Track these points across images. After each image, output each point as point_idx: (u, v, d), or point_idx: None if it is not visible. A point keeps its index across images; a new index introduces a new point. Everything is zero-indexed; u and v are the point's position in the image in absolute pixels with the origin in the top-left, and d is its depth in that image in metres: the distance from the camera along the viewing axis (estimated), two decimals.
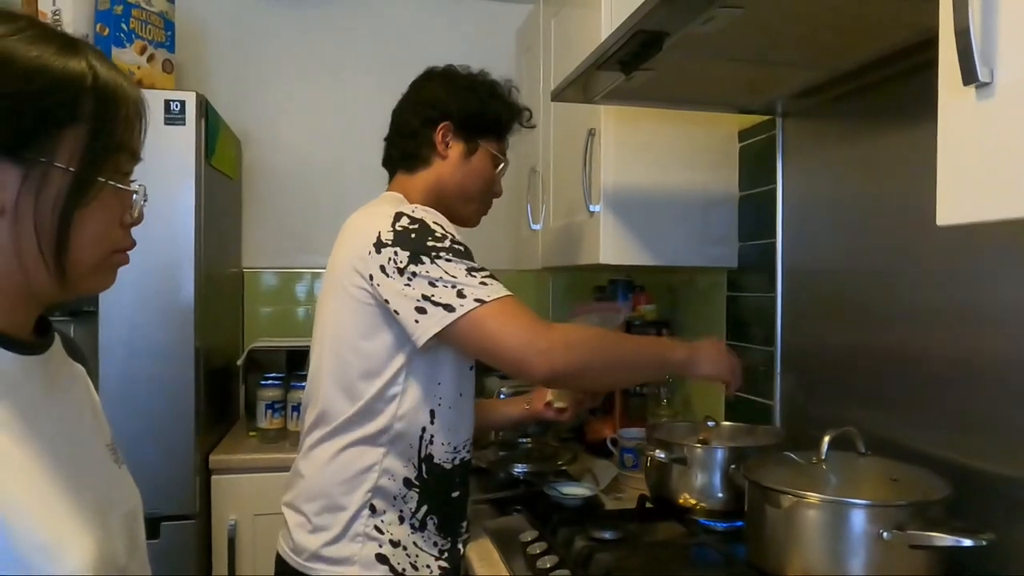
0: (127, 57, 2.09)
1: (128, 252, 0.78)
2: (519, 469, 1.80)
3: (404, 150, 1.45)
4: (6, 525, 0.62)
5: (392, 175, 1.49)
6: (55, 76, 0.68)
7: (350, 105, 2.83)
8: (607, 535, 1.35)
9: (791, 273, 1.64)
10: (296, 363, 2.45)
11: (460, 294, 1.17)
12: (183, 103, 2.01)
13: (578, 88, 1.47)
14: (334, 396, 1.28)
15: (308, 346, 2.56)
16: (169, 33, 2.23)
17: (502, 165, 1.50)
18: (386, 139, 1.51)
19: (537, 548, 1.26)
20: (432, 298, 1.18)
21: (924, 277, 1.27)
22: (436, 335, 1.17)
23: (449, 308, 1.17)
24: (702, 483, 1.39)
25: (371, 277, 1.23)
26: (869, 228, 1.40)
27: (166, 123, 2.01)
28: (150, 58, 2.15)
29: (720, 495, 1.38)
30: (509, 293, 1.20)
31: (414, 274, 1.19)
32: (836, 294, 1.49)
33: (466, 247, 1.25)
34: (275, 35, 2.79)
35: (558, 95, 1.52)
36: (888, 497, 1.04)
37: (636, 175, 1.78)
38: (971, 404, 1.17)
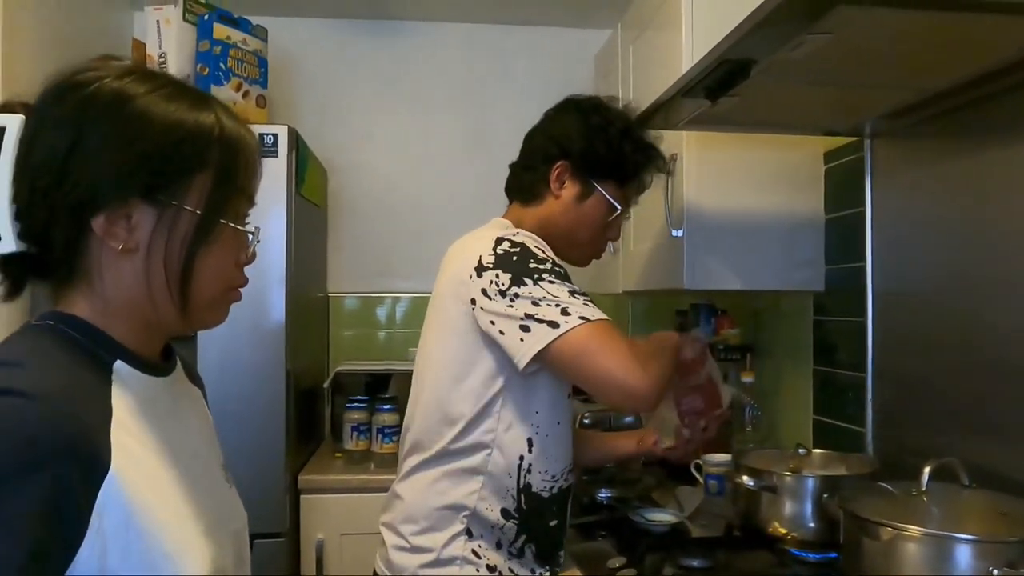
0: (224, 94, 2.20)
1: (241, 289, 0.83)
2: (603, 494, 1.80)
3: (521, 181, 1.44)
4: (145, 532, 0.67)
5: (510, 202, 1.48)
6: (188, 129, 0.74)
7: (432, 134, 2.90)
8: (696, 563, 1.34)
9: (882, 296, 1.59)
10: (377, 386, 2.50)
11: (564, 311, 1.17)
12: (276, 136, 2.10)
13: (661, 115, 1.48)
14: (431, 423, 1.30)
15: (388, 370, 2.63)
16: (263, 70, 2.34)
17: (619, 212, 1.42)
18: (511, 165, 1.50)
19: (626, 574, 1.25)
20: (536, 316, 1.17)
21: None
22: (539, 353, 1.17)
23: (553, 324, 1.16)
24: (793, 512, 1.36)
25: (473, 301, 1.23)
26: (968, 250, 1.36)
27: (261, 156, 2.10)
28: (245, 94, 2.26)
29: (812, 525, 1.35)
30: (608, 319, 1.20)
31: (516, 295, 1.19)
32: (932, 317, 1.45)
33: (566, 271, 1.26)
34: (360, 67, 2.88)
35: (642, 122, 1.53)
36: (998, 532, 1.00)
37: (719, 198, 1.76)
38: None
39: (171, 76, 0.80)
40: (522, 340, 1.18)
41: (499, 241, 1.26)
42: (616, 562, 1.32)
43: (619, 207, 1.41)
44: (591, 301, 1.21)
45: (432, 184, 2.89)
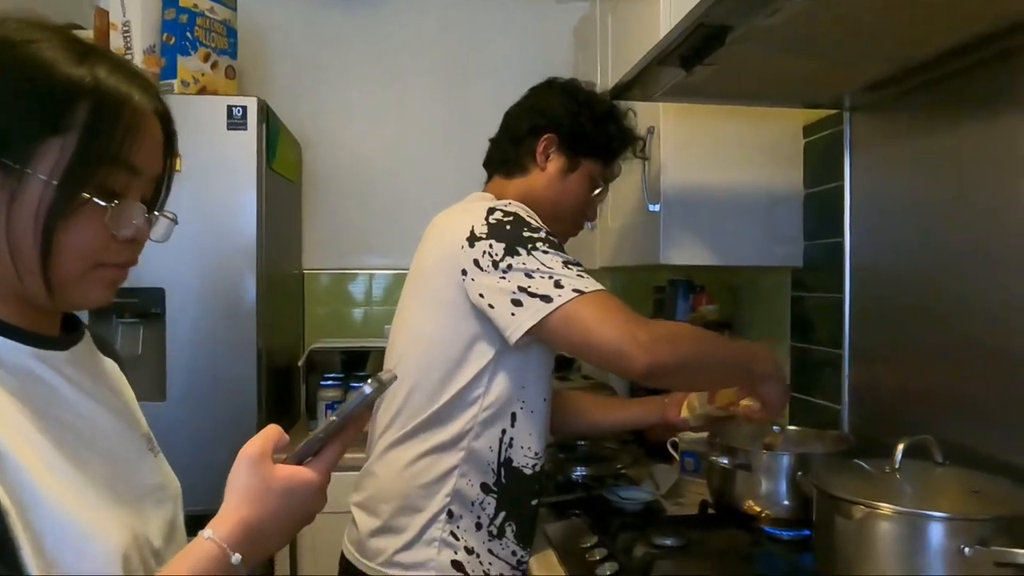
0: (192, 64, 2.14)
1: (126, 268, 0.75)
2: (578, 472, 1.78)
3: (505, 154, 1.43)
4: (33, 510, 0.63)
5: (489, 177, 1.47)
6: (46, 84, 0.66)
7: (408, 108, 2.85)
8: (668, 542, 1.32)
9: (860, 272, 1.57)
10: (353, 364, 2.47)
11: (558, 284, 1.14)
12: (245, 108, 2.05)
13: (638, 86, 1.44)
14: (414, 396, 1.27)
15: (364, 347, 2.60)
16: (232, 40, 2.28)
17: (599, 190, 1.44)
18: (492, 139, 1.48)
19: (597, 554, 1.24)
20: (529, 289, 1.15)
21: (1009, 276, 1.20)
22: (532, 328, 1.14)
23: (547, 299, 1.14)
24: (767, 490, 1.35)
25: (464, 272, 1.20)
26: (947, 226, 1.34)
27: (229, 128, 2.05)
28: (214, 65, 2.19)
29: (786, 503, 1.34)
30: (604, 288, 1.17)
31: (510, 266, 1.16)
32: (910, 294, 1.43)
33: (560, 241, 1.23)
34: (334, 40, 2.82)
35: (618, 94, 1.49)
36: (970, 510, 0.99)
37: (697, 173, 1.74)
38: None
39: (72, 32, 0.72)
40: (513, 315, 1.16)
41: (491, 211, 1.23)
42: (588, 541, 1.30)
43: (601, 184, 1.43)
44: (585, 272, 1.19)
45: (409, 159, 2.84)
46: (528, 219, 1.22)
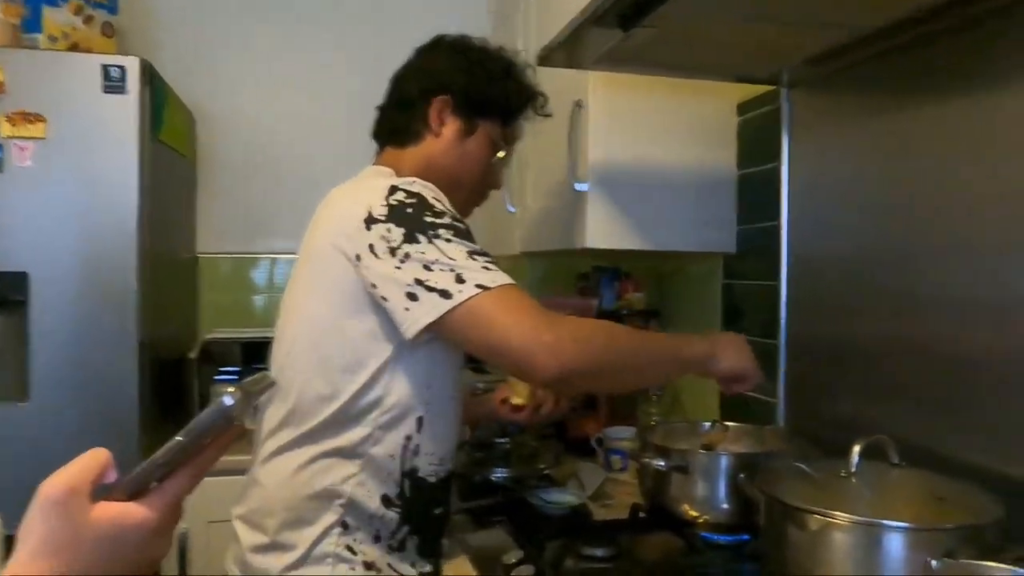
0: (60, 17, 1.88)
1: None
2: (498, 474, 1.64)
3: (395, 122, 1.28)
4: None
5: (381, 148, 1.32)
6: None
7: (314, 79, 2.63)
8: (599, 552, 1.20)
9: (798, 259, 1.49)
10: (253, 355, 2.26)
11: (459, 279, 1.01)
12: (123, 69, 1.81)
13: (567, 50, 1.31)
14: (303, 396, 1.11)
15: (268, 337, 2.38)
16: None
17: (502, 153, 1.33)
18: (379, 107, 1.33)
19: (523, 573, 1.10)
20: (426, 283, 1.01)
21: (958, 264, 1.13)
22: (429, 325, 1.01)
23: (446, 294, 1.00)
24: (705, 493, 1.24)
25: (358, 257, 1.06)
26: (891, 211, 1.26)
27: (105, 91, 1.80)
28: (88, 19, 1.94)
29: (725, 506, 1.24)
30: (512, 281, 1.04)
31: (407, 255, 1.02)
32: (852, 282, 1.35)
33: (467, 227, 1.09)
34: (233, 4, 2.57)
35: (545, 58, 1.36)
36: (936, 519, 0.90)
37: (626, 151, 1.63)
38: (1015, 406, 1.03)
39: None
40: (407, 309, 1.02)
41: (392, 190, 1.08)
42: (512, 557, 1.17)
43: (503, 147, 1.32)
44: (493, 262, 1.05)
45: (317, 133, 2.63)
46: (433, 202, 1.08)
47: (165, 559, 1.90)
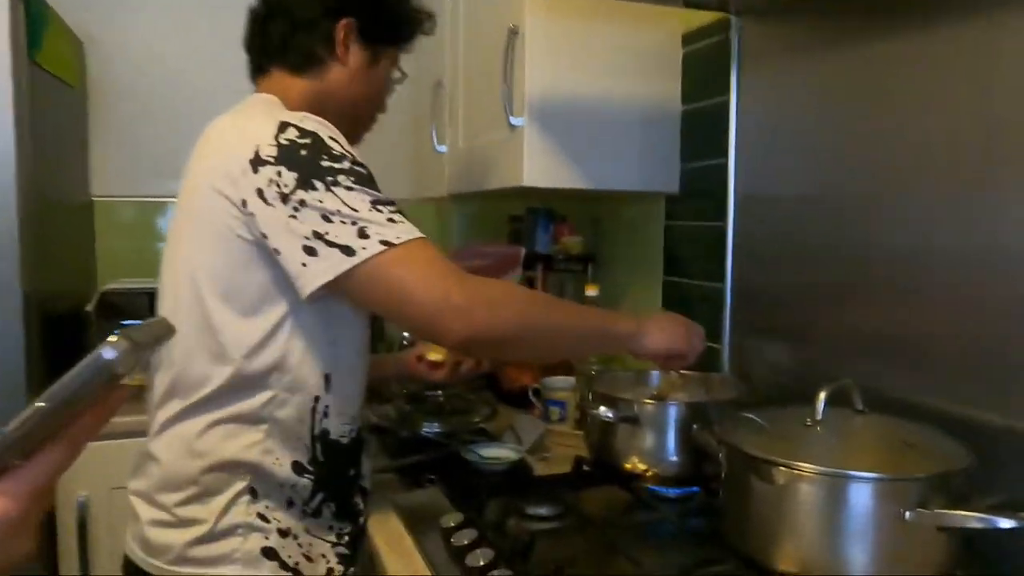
0: None
1: None
2: (429, 429, 1.55)
3: (289, 42, 1.12)
4: None
5: (263, 71, 1.15)
6: None
7: (221, 5, 2.40)
8: (543, 510, 1.13)
9: (745, 199, 1.42)
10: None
11: (362, 233, 0.90)
12: None
13: None
14: (197, 358, 0.99)
15: None
16: None
17: (397, 75, 1.24)
18: (256, 20, 1.16)
19: (464, 538, 1.01)
20: (326, 236, 0.90)
21: (916, 208, 1.07)
22: (328, 284, 0.90)
23: (348, 251, 0.89)
24: (654, 445, 1.18)
25: (244, 203, 0.93)
26: (847, 150, 1.19)
27: None
28: None
29: (674, 459, 1.17)
30: (421, 235, 0.93)
31: (302, 202, 0.90)
32: (802, 224, 1.28)
33: (369, 172, 0.96)
34: None
35: None
36: (907, 468, 0.85)
37: (564, 83, 1.51)
38: (974, 347, 0.99)
39: None
40: (304, 265, 0.90)
41: (283, 126, 0.94)
42: (452, 520, 1.07)
43: (399, 74, 1.24)
44: (399, 212, 0.94)
45: (226, 64, 2.36)
46: (330, 142, 0.95)
47: (61, 531, 1.74)
